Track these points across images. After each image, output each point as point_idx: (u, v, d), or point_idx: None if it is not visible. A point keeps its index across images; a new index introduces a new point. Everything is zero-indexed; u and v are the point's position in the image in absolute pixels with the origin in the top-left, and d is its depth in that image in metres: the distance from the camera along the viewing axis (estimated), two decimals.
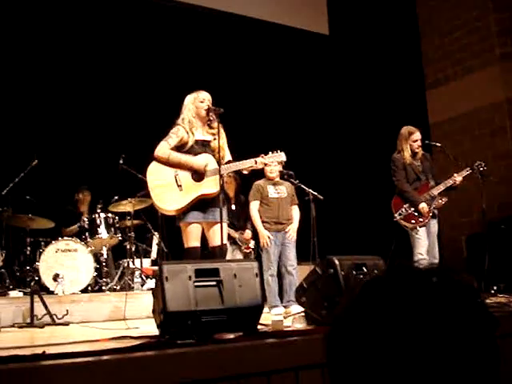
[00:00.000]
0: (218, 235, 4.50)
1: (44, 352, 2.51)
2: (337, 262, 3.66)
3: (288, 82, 9.12)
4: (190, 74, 7.46)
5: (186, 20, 8.41)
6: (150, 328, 3.60)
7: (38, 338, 4.18)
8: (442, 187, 6.09)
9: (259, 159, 4.78)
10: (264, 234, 5.85)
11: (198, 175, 4.67)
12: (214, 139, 4.73)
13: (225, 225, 4.69)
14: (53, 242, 6.36)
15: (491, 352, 0.76)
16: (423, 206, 5.96)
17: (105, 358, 2.46)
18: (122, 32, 8.03)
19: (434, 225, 6.12)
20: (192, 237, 4.62)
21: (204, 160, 4.68)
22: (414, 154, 6.16)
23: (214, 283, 3.23)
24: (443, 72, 9.85)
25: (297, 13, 9.31)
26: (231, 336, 3.02)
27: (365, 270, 3.88)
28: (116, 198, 6.96)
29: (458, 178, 6.07)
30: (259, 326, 3.41)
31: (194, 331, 3.00)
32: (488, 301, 4.60)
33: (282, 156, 4.98)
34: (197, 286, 3.16)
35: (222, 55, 8.55)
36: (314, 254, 5.86)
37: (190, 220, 4.62)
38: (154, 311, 3.37)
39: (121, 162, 6.76)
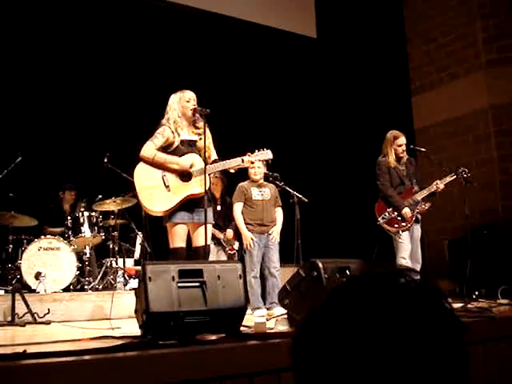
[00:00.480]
0: (202, 236, 4.50)
1: (25, 351, 2.50)
2: (320, 264, 3.67)
3: (275, 84, 9.14)
4: (176, 74, 7.45)
5: (173, 20, 8.40)
6: (133, 328, 3.58)
7: (19, 337, 4.14)
8: (425, 192, 6.13)
9: (246, 157, 4.77)
10: (247, 235, 5.85)
11: (186, 175, 4.66)
12: (200, 139, 4.71)
13: (209, 226, 4.69)
14: (35, 240, 6.31)
15: (457, 356, 0.76)
16: (406, 210, 5.99)
17: (86, 357, 2.45)
18: (108, 30, 8.00)
19: (417, 229, 6.15)
20: (178, 237, 4.61)
21: (189, 160, 4.67)
22: (398, 159, 6.20)
23: (198, 284, 3.23)
24: (429, 78, 9.93)
25: (285, 15, 9.35)
26: (213, 337, 3.02)
27: (348, 273, 3.89)
28: (100, 196, 6.91)
29: (440, 184, 6.11)
30: (242, 328, 3.40)
31: (176, 332, 2.99)
32: (469, 306, 4.63)
33: (268, 154, 4.97)
34: (180, 287, 3.16)
35: (209, 55, 8.56)
36: (298, 256, 5.87)
37: (176, 220, 4.61)
38: (136, 311, 3.35)
39: (105, 160, 6.72)
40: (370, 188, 6.40)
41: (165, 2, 8.27)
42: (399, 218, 6.03)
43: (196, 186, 4.62)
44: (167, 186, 4.62)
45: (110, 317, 4.96)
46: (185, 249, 4.67)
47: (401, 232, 6.01)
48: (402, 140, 6.19)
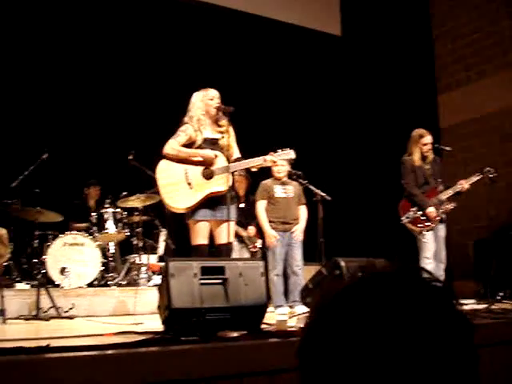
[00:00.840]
0: (225, 233, 4.50)
1: (48, 345, 2.52)
2: (343, 263, 3.66)
3: (299, 82, 9.11)
4: (199, 72, 7.46)
5: (197, 18, 8.42)
6: (155, 324, 3.61)
7: (43, 331, 4.20)
8: (450, 192, 6.07)
9: (268, 157, 4.76)
10: (270, 233, 5.85)
11: (208, 174, 4.67)
12: (223, 137, 4.72)
13: (232, 223, 4.69)
14: (60, 235, 6.38)
15: (465, 356, 0.75)
16: (431, 210, 5.94)
17: (108, 352, 2.47)
18: (135, 28, 8.06)
19: (441, 229, 6.10)
20: (200, 234, 4.62)
21: (213, 151, 4.67)
22: (423, 158, 6.14)
23: (220, 281, 3.24)
24: (455, 76, 9.83)
25: (309, 13, 9.29)
26: (235, 334, 3.02)
27: None
28: (125, 193, 6.97)
29: (465, 184, 6.04)
30: (263, 326, 3.41)
31: (198, 328, 3.01)
32: (493, 307, 4.58)
33: (291, 153, 4.96)
34: (202, 284, 3.17)
35: (233, 53, 8.55)
36: (321, 254, 5.84)
37: (198, 218, 4.61)
38: (159, 307, 3.38)
39: (130, 157, 6.76)
40: (394, 187, 6.36)
41: (195, 0, 8.31)
42: (423, 218, 5.98)
43: (218, 184, 4.62)
44: (189, 183, 4.63)
45: (132, 312, 5.01)
46: (207, 246, 4.68)
47: (425, 232, 5.96)
48: (428, 139, 6.14)
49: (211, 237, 4.79)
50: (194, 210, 4.61)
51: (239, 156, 4.89)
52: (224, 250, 4.61)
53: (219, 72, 7.73)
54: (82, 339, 3.15)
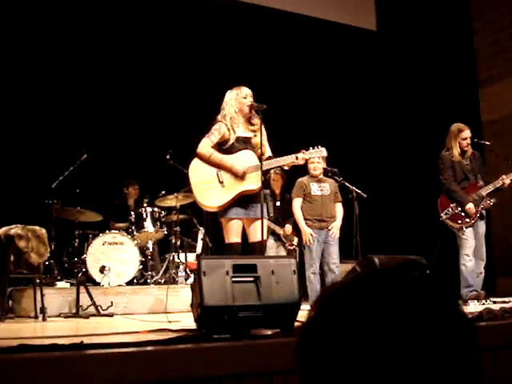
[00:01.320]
0: (258, 231, 4.50)
1: (82, 342, 2.57)
2: (377, 260, 3.62)
3: (334, 78, 9.05)
4: (233, 70, 7.47)
5: (232, 16, 8.43)
6: (191, 322, 3.63)
7: (82, 328, 4.28)
8: (491, 188, 5.95)
9: (300, 155, 4.75)
10: (306, 231, 5.83)
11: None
12: (255, 136, 4.72)
13: (265, 221, 4.69)
14: (100, 234, 6.48)
15: (465, 357, 0.73)
16: (470, 206, 5.82)
17: (141, 349, 2.51)
18: (174, 29, 8.14)
19: (481, 226, 5.98)
20: (233, 232, 4.64)
21: (242, 168, 4.64)
22: (463, 153, 6.04)
23: (252, 279, 3.23)
24: (496, 69, 9.61)
25: (343, 8, 9.19)
26: (268, 332, 3.02)
27: None
28: (163, 192, 7.05)
29: (506, 180, 5.90)
30: (297, 324, 3.39)
31: (230, 326, 3.01)
32: None
33: (323, 151, 4.93)
34: (234, 282, 3.17)
35: (268, 51, 8.54)
36: (357, 252, 5.80)
37: (231, 216, 4.63)
38: (192, 305, 3.40)
39: (168, 157, 6.84)
40: (433, 183, 6.26)
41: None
42: (463, 214, 5.88)
43: (251, 182, 4.63)
44: (221, 182, 4.65)
45: (166, 310, 5.05)
46: (240, 244, 4.69)
47: (464, 228, 5.85)
48: (467, 133, 6.02)
49: (244, 235, 4.80)
50: (226, 208, 4.63)
51: (271, 155, 4.89)
52: (257, 248, 4.61)
53: (254, 70, 7.75)
54: (117, 336, 3.19)
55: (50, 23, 7.49)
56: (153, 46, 8.06)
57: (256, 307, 3.18)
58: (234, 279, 3.18)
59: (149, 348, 2.55)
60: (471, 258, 5.82)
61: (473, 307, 4.73)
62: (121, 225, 7.16)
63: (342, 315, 0.75)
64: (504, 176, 5.95)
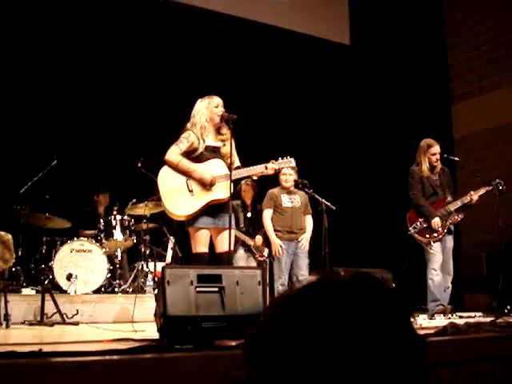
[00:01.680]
0: (226, 241, 4.47)
1: (40, 350, 2.53)
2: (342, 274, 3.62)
3: (306, 92, 9.07)
4: (206, 80, 7.44)
5: (205, 25, 8.44)
6: (156, 332, 3.60)
7: (45, 336, 4.21)
8: (459, 203, 6.01)
9: (270, 165, 4.75)
10: (276, 242, 5.84)
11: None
12: (224, 145, 4.72)
13: (234, 231, 4.69)
14: (68, 241, 6.42)
15: (413, 371, 0.73)
16: (436, 220, 5.88)
17: (101, 358, 2.48)
18: (143, 37, 8.09)
19: (449, 240, 6.03)
20: (200, 242, 4.61)
21: (210, 177, 4.63)
22: (432, 168, 6.10)
23: (216, 289, 3.22)
24: (469, 87, 9.75)
25: (317, 21, 9.22)
26: (232, 343, 3.00)
27: None
28: (134, 200, 6.99)
29: (474, 196, 5.98)
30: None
31: (193, 337, 2.99)
32: (499, 320, 4.50)
33: (291, 162, 4.93)
34: (198, 292, 3.16)
35: (241, 62, 8.54)
36: (326, 265, 5.81)
37: (199, 225, 4.61)
38: (155, 315, 3.37)
39: (139, 165, 6.79)
40: (402, 197, 6.31)
41: (195, 7, 8.33)
42: (431, 229, 5.93)
43: (220, 192, 4.62)
44: (191, 191, 4.63)
45: (135, 319, 5.00)
46: (207, 254, 4.66)
47: (432, 243, 5.90)
48: (436, 149, 6.09)
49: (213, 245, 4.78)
50: (194, 217, 4.60)
51: (239, 165, 4.87)
52: (224, 258, 4.58)
53: (226, 80, 7.74)
54: (79, 345, 3.15)
55: (16, 29, 7.42)
56: (125, 54, 8.01)
57: (220, 318, 3.17)
58: (198, 289, 3.16)
59: (108, 357, 2.52)
60: (438, 273, 5.87)
61: (438, 321, 4.76)
62: (89, 232, 7.08)
63: (288, 323, 0.75)
64: (472, 192, 6.01)
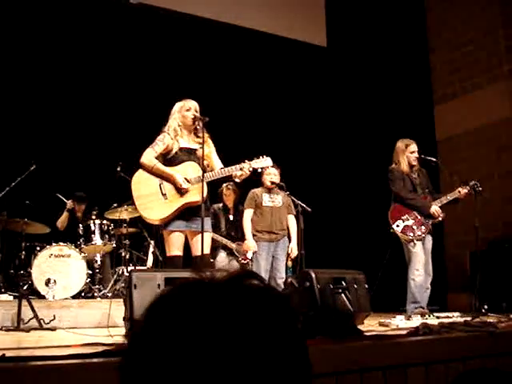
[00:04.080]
0: (200, 244, 4.47)
1: (3, 355, 2.52)
2: (313, 275, 3.62)
3: (284, 94, 9.06)
4: (186, 83, 7.43)
5: (184, 30, 8.43)
6: None
7: (19, 342, 4.18)
8: (444, 201, 6.00)
9: (245, 165, 4.73)
10: (250, 244, 5.87)
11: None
12: (201, 147, 4.72)
13: (209, 234, 4.69)
14: (47, 246, 6.37)
15: (293, 370, 0.72)
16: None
17: (59, 362, 2.48)
18: (122, 41, 8.07)
19: (428, 241, 6.02)
20: (174, 245, 4.61)
21: (183, 179, 4.65)
22: (411, 167, 6.10)
23: None
24: (451, 88, 9.76)
25: (293, 24, 9.18)
26: None
27: (344, 284, 3.84)
28: (115, 205, 6.97)
29: (462, 190, 5.98)
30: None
31: None
32: (475, 320, 4.51)
33: (268, 161, 4.91)
34: None
35: (218, 65, 8.55)
36: (302, 266, 5.80)
37: (172, 228, 4.61)
38: (124, 319, 3.36)
39: (118, 169, 6.77)
40: (380, 198, 6.30)
41: (175, 12, 8.31)
42: (414, 227, 5.89)
43: (193, 194, 4.62)
44: (164, 194, 4.64)
45: (117, 324, 4.99)
46: (181, 257, 4.66)
47: (415, 241, 5.86)
48: (414, 147, 6.11)
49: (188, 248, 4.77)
50: (168, 220, 4.60)
51: (222, 167, 4.88)
52: (199, 262, 4.58)
53: (204, 83, 7.75)
54: (47, 350, 3.13)
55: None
56: (101, 58, 7.99)
57: None
58: None
59: (69, 361, 2.52)
60: (421, 273, 5.82)
61: (415, 322, 4.75)
62: (63, 219, 7.06)
63: (157, 324, 0.73)
64: (460, 188, 6.02)
